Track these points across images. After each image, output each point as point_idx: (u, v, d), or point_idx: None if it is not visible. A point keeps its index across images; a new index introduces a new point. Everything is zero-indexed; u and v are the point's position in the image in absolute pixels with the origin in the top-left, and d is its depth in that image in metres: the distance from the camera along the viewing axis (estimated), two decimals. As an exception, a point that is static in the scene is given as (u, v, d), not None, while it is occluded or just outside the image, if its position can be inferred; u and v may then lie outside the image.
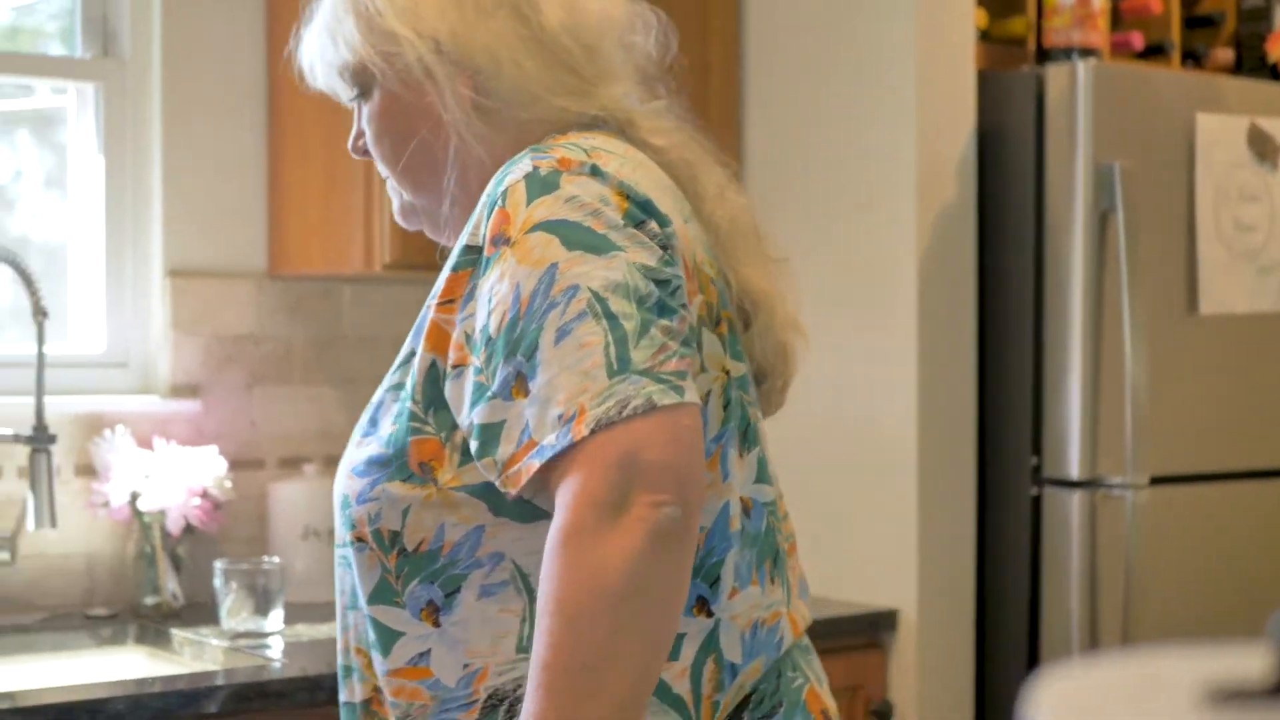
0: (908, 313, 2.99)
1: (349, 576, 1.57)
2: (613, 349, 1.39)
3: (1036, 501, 3.04)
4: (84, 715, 2.19)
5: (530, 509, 1.48)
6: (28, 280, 2.67)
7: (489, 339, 1.43)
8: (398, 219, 1.69)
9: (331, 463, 2.58)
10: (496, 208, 1.47)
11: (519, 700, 1.47)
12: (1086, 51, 3.12)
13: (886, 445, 3.02)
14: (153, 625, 2.76)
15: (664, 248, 1.48)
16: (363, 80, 1.63)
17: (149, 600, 2.83)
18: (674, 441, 1.38)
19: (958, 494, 3.05)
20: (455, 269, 1.49)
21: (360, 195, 2.84)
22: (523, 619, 1.48)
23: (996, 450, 3.10)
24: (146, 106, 3.00)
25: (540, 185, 1.46)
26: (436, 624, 1.50)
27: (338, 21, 1.63)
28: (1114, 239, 2.98)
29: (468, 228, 1.50)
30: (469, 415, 1.44)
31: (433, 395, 1.49)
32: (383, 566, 1.52)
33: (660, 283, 1.45)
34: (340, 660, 1.61)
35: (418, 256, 2.83)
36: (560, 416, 1.38)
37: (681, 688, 1.50)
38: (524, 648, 1.48)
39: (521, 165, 1.49)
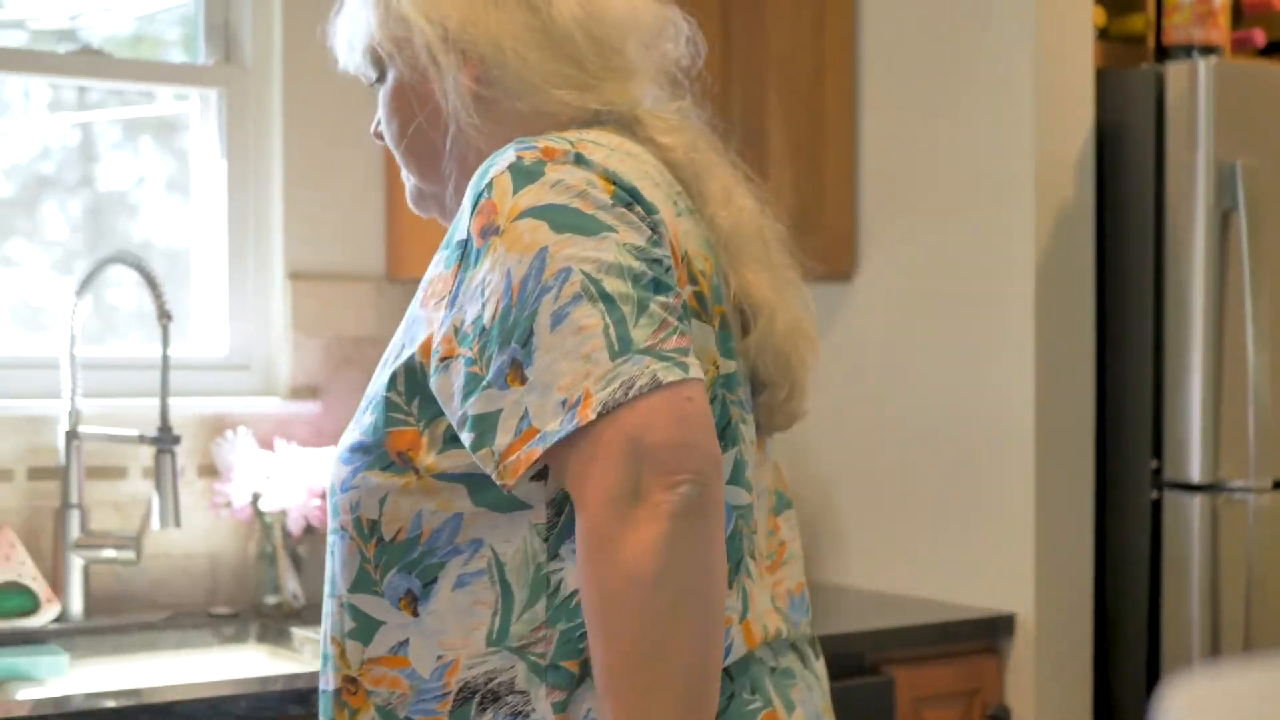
0: (1025, 314, 2.96)
1: (332, 564, 1.57)
2: (612, 330, 1.38)
3: (1156, 505, 3.00)
4: (207, 712, 2.22)
5: (510, 500, 1.46)
6: (152, 284, 2.72)
7: (483, 329, 1.42)
8: (411, 206, 1.70)
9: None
10: (482, 199, 1.46)
11: (490, 694, 1.47)
12: (1207, 49, 3.08)
13: (1004, 448, 2.99)
14: (274, 624, 2.80)
15: (652, 229, 1.46)
16: (378, 64, 1.65)
17: (270, 599, 2.87)
18: (682, 419, 1.36)
19: (1076, 498, 3.01)
20: (446, 265, 1.49)
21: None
22: (494, 611, 1.47)
23: (1116, 453, 3.06)
24: (268, 112, 3.04)
25: (525, 174, 1.45)
26: (415, 614, 1.50)
27: (362, 6, 1.65)
28: (1236, 238, 2.93)
29: (455, 223, 1.50)
30: (462, 407, 1.43)
31: (414, 387, 1.49)
32: (362, 555, 1.52)
33: (652, 261, 1.44)
34: (322, 647, 1.60)
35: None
36: (564, 403, 1.37)
37: None
38: (494, 641, 1.47)
39: (505, 156, 1.48)
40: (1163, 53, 3.15)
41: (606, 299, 1.39)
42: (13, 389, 2.80)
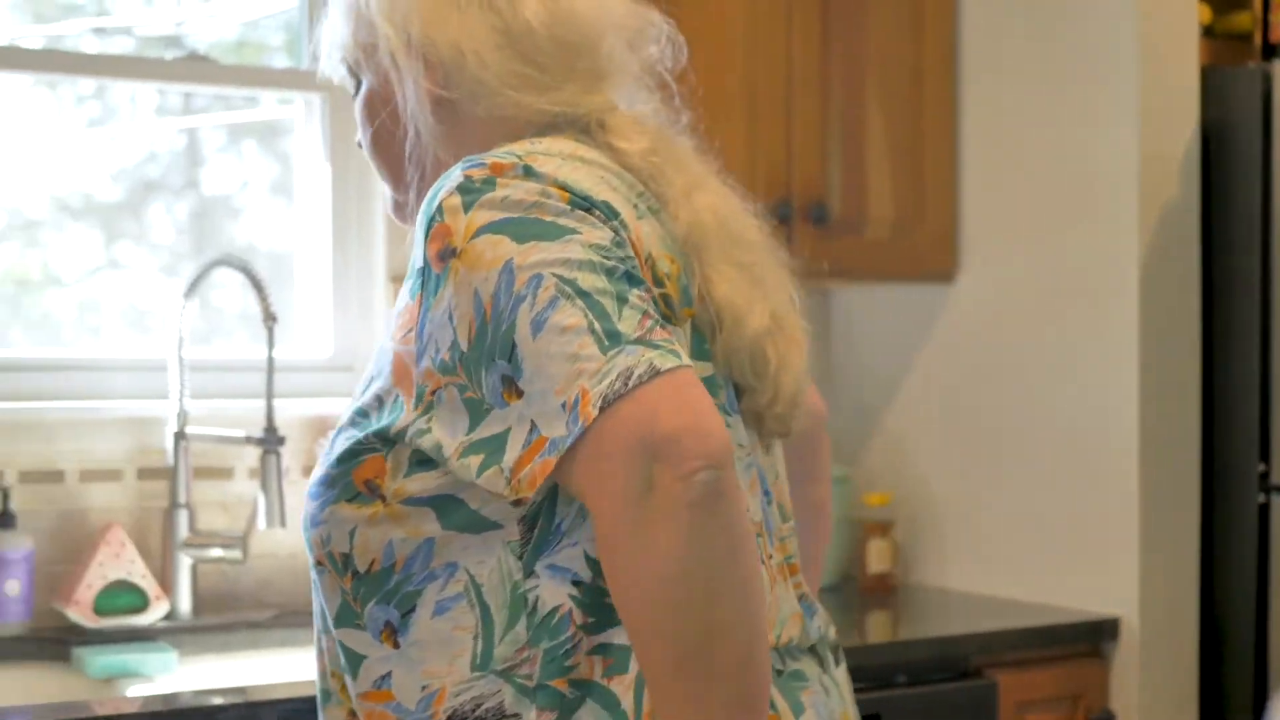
0: (1129, 315, 2.93)
1: (318, 599, 1.55)
2: (597, 325, 1.35)
3: (1264, 509, 2.96)
4: (310, 711, 2.24)
5: (480, 520, 1.43)
6: (258, 286, 2.75)
7: (463, 355, 1.40)
8: (391, 216, 1.69)
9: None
10: (434, 223, 1.43)
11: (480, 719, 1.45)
12: (1315, 46, 3.03)
13: (1108, 449, 2.96)
14: (377, 623, 2.82)
15: (615, 231, 1.44)
16: (353, 73, 1.65)
17: (373, 599, 2.89)
18: (685, 405, 1.32)
19: (1181, 501, 2.98)
20: (410, 295, 1.46)
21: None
22: (475, 635, 1.44)
23: (1222, 456, 3.02)
24: (369, 116, 3.06)
25: (475, 192, 1.42)
26: (396, 645, 1.47)
27: (338, 14, 1.65)
28: (1346, 238, 2.89)
29: (412, 250, 1.46)
30: (468, 435, 1.40)
31: (386, 423, 1.46)
32: (341, 590, 1.50)
33: (622, 258, 1.42)
34: (319, 684, 1.58)
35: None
36: (564, 405, 1.33)
37: (627, 702, 1.42)
38: (478, 665, 1.44)
39: (453, 178, 1.45)
40: (1269, 50, 3.10)
41: (584, 295, 1.36)
42: (122, 390, 2.84)
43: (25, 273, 2.96)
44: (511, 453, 1.37)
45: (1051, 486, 3.06)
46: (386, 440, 1.46)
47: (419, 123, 1.58)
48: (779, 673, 1.51)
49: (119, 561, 2.68)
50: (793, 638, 1.54)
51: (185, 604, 2.77)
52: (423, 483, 1.44)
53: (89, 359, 2.84)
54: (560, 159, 1.48)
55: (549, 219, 1.40)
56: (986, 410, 3.19)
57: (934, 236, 3.17)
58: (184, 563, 2.77)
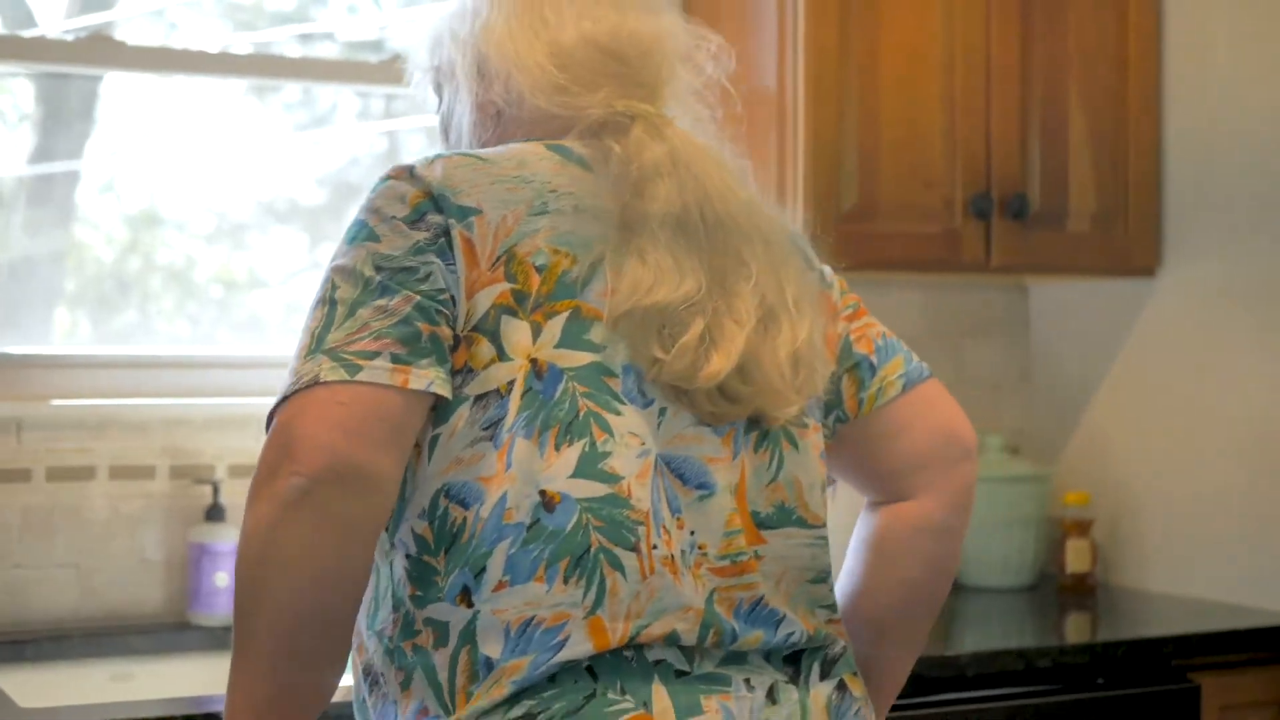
0: (1341, 310, 2.85)
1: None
2: (317, 330, 1.51)
3: None
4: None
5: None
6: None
7: None
8: None
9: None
10: None
11: (372, 677, 1.58)
12: None
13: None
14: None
15: (436, 237, 1.54)
16: (435, 91, 1.78)
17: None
18: (319, 418, 1.45)
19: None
20: None
21: (773, 198, 2.87)
22: (372, 598, 1.58)
23: None
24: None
25: (371, 191, 1.58)
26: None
27: (417, 35, 1.77)
28: None
29: None
30: None
31: None
32: None
33: (397, 270, 1.52)
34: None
35: (830, 257, 2.84)
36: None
37: (443, 675, 1.51)
38: (369, 625, 1.58)
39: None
40: None
41: (330, 303, 1.52)
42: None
43: (232, 274, 3.05)
44: None
45: (1255, 486, 2.98)
46: None
47: (466, 131, 1.73)
48: (679, 673, 1.53)
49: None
50: (677, 631, 1.53)
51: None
52: None
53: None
54: (471, 165, 1.59)
55: (372, 224, 1.55)
56: (1188, 409, 3.12)
57: (1136, 230, 3.11)
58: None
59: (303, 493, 1.44)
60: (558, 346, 1.54)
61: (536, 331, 1.54)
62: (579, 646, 1.49)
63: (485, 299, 1.53)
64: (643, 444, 1.56)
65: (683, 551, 1.55)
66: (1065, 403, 3.37)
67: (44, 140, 2.97)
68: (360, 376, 1.47)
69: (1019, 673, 2.58)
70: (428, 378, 1.50)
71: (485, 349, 1.53)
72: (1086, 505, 3.21)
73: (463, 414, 1.52)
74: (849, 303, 1.79)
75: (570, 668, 1.50)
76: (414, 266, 1.53)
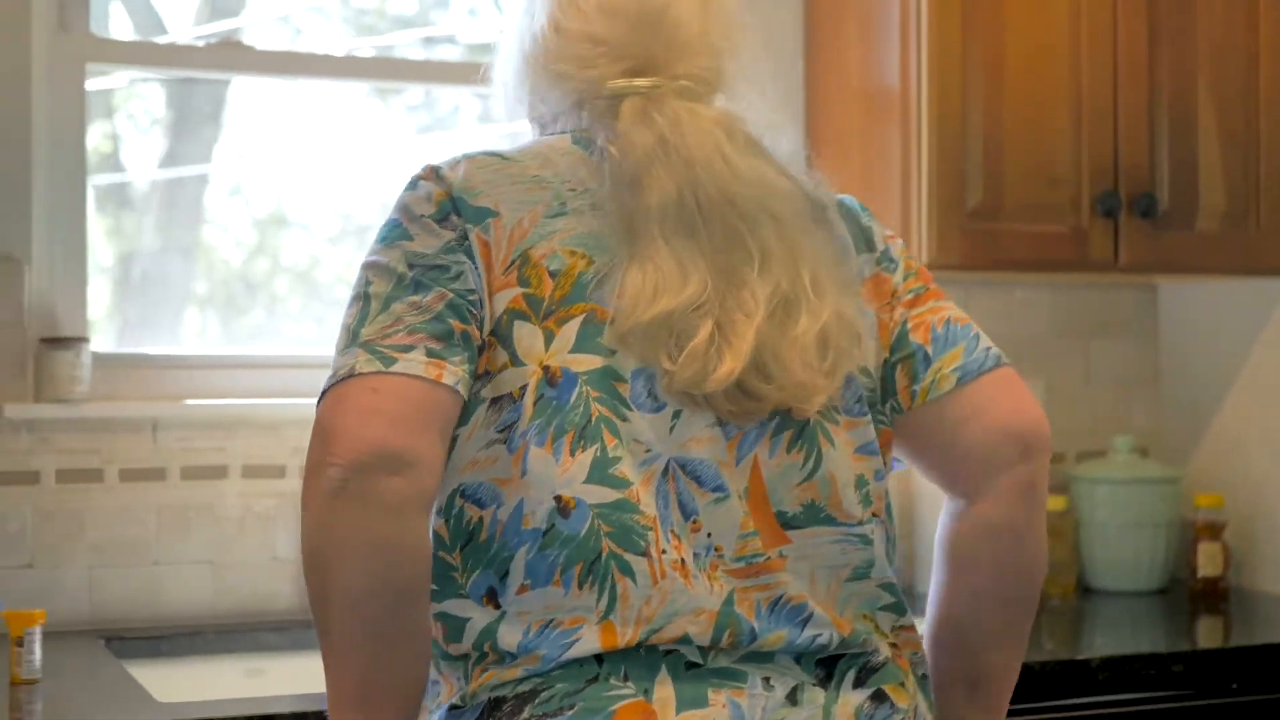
0: None
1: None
2: (353, 325, 1.54)
3: None
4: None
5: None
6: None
7: None
8: None
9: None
10: None
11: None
12: None
13: None
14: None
15: (461, 238, 1.56)
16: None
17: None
18: (354, 408, 1.48)
19: None
20: None
21: (897, 198, 2.85)
22: None
23: None
24: (687, 117, 3.09)
25: (400, 191, 1.62)
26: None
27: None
28: None
29: None
30: None
31: None
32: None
33: (429, 268, 1.55)
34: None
35: (954, 258, 2.82)
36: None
37: (460, 666, 1.56)
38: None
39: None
40: None
41: (365, 299, 1.55)
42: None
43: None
44: None
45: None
46: None
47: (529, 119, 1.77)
48: (689, 664, 1.53)
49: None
50: (689, 634, 1.53)
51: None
52: None
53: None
54: (500, 162, 1.62)
55: (404, 224, 1.59)
56: (1323, 410, 3.07)
57: (1268, 228, 3.05)
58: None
59: (342, 482, 1.46)
60: (572, 351, 1.55)
61: (549, 338, 1.55)
62: (589, 645, 1.52)
63: (500, 302, 1.55)
64: (648, 451, 1.55)
65: (696, 554, 1.55)
66: (1196, 403, 3.32)
67: (174, 144, 3.01)
68: (395, 368, 1.50)
69: (1150, 677, 2.54)
70: (458, 375, 1.52)
71: (499, 353, 1.55)
72: (1219, 508, 3.16)
73: (479, 416, 1.55)
74: (913, 286, 1.73)
75: (579, 659, 1.52)
76: (446, 265, 1.56)
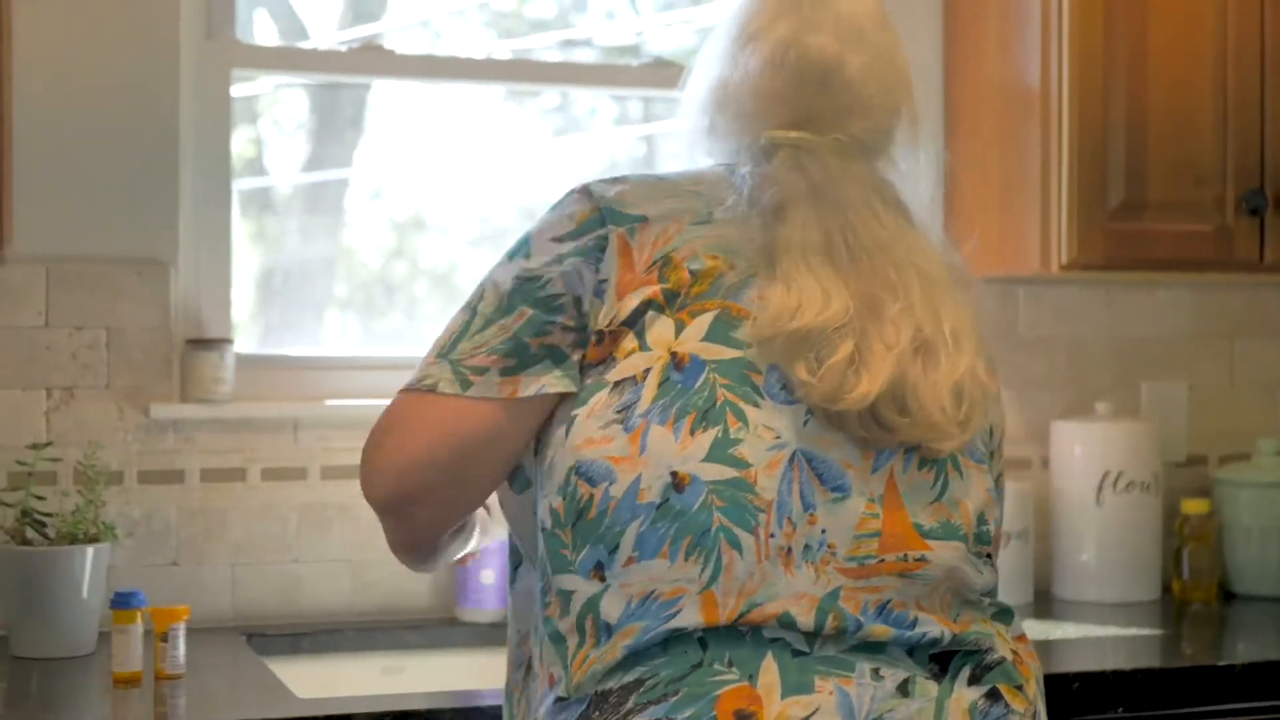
0: None
1: None
2: (454, 336, 1.67)
3: None
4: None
5: (523, 479, 1.69)
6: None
7: None
8: None
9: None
10: None
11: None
12: None
13: None
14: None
15: (586, 251, 1.64)
16: None
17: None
18: (411, 433, 1.65)
19: None
20: None
21: (1037, 197, 2.82)
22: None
23: None
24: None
25: (549, 207, 1.72)
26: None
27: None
28: None
29: None
30: None
31: None
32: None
33: (528, 281, 1.65)
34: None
35: (1095, 257, 2.79)
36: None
37: (570, 641, 1.59)
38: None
39: None
40: None
41: (472, 312, 1.67)
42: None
43: (495, 278, 3.10)
44: None
45: None
46: None
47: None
48: (796, 652, 1.55)
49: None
50: (791, 613, 1.55)
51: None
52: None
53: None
54: (658, 181, 1.72)
55: (532, 241, 1.68)
56: None
57: None
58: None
59: (377, 508, 1.70)
60: (703, 340, 1.62)
61: (680, 327, 1.62)
62: (689, 618, 1.55)
63: (635, 298, 1.62)
64: (778, 437, 1.60)
65: (807, 546, 1.58)
66: (1343, 407, 3.25)
67: (317, 148, 3.06)
68: (470, 392, 1.64)
69: (1296, 685, 2.50)
70: (539, 383, 1.63)
71: (629, 341, 1.62)
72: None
73: (601, 398, 1.61)
74: None
75: (680, 636, 1.55)
76: (539, 275, 1.66)
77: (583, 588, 1.59)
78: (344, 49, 2.95)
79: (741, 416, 1.59)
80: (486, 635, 2.73)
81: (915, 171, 1.78)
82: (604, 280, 1.63)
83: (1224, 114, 2.84)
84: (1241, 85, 2.84)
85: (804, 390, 1.59)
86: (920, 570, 1.60)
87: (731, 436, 1.58)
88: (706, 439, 1.58)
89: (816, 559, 1.58)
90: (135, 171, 2.69)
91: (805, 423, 1.60)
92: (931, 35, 3.07)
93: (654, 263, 1.63)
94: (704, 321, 1.62)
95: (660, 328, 1.61)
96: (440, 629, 2.73)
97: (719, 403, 1.59)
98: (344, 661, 2.66)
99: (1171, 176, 2.82)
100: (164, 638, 2.29)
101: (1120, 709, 2.38)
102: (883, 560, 1.59)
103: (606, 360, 1.62)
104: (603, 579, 1.58)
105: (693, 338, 1.61)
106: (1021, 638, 1.69)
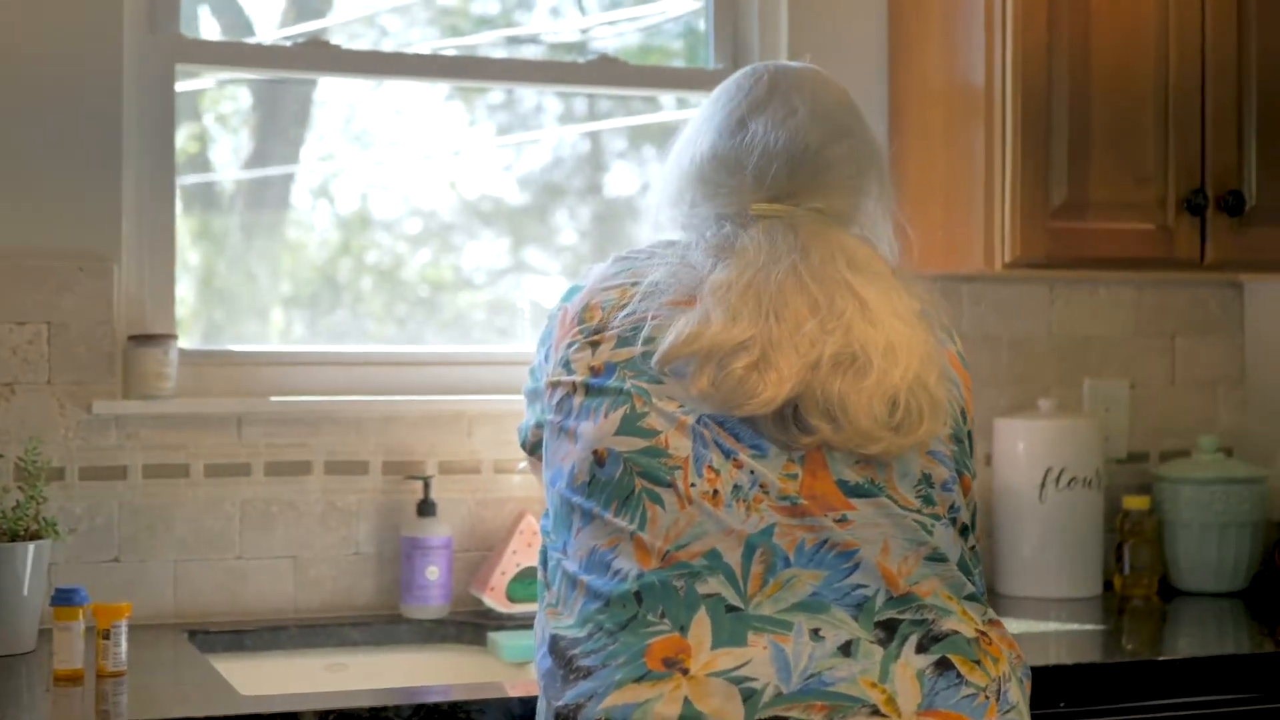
0: None
1: None
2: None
3: None
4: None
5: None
6: (662, 284, 2.81)
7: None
8: None
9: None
10: None
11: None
12: None
13: None
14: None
15: (574, 342, 1.88)
16: None
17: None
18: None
19: None
20: None
21: (981, 196, 2.84)
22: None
23: None
24: (769, 116, 3.09)
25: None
26: None
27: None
28: None
29: None
30: None
31: None
32: None
33: (539, 367, 2.00)
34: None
35: (1038, 255, 2.80)
36: None
37: (543, 615, 1.84)
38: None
39: None
40: None
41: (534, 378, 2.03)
42: (532, 386, 2.93)
43: (439, 275, 3.10)
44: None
45: None
46: None
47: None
48: (730, 608, 1.65)
49: (531, 550, 2.77)
50: (718, 549, 1.69)
51: (592, 594, 2.83)
52: None
53: (502, 354, 2.95)
54: (619, 259, 1.94)
55: (543, 333, 1.98)
56: None
57: (1357, 226, 3.01)
58: (591, 554, 2.83)
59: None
60: (615, 348, 1.83)
61: (594, 347, 1.84)
62: (625, 563, 1.72)
63: (562, 347, 1.88)
64: (680, 406, 1.77)
65: (737, 486, 1.72)
66: (1282, 404, 3.28)
67: (261, 144, 3.04)
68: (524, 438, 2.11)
69: (1233, 679, 2.52)
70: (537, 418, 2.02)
71: (563, 376, 1.87)
72: (1305, 509, 3.13)
73: (551, 427, 1.88)
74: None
75: (620, 594, 1.71)
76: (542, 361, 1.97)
77: (554, 558, 1.83)
78: (289, 44, 2.93)
79: (645, 395, 1.78)
80: (430, 632, 2.72)
81: (882, 232, 1.97)
82: (549, 347, 1.93)
83: (1165, 114, 2.86)
84: (1183, 85, 2.87)
85: (706, 401, 1.75)
86: (850, 530, 1.70)
87: (637, 412, 1.78)
88: (617, 416, 1.78)
89: (749, 497, 1.71)
90: (77, 166, 2.67)
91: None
92: (876, 34, 3.08)
93: (578, 313, 1.88)
94: (614, 335, 1.84)
95: (580, 354, 1.85)
96: (384, 626, 2.73)
97: (626, 386, 1.80)
98: (288, 659, 2.65)
99: (1114, 176, 2.84)
100: (106, 635, 2.27)
101: (1062, 704, 2.40)
102: (843, 519, 1.70)
103: (551, 400, 1.89)
104: (565, 554, 1.81)
105: (605, 351, 1.83)
106: (995, 622, 1.75)
